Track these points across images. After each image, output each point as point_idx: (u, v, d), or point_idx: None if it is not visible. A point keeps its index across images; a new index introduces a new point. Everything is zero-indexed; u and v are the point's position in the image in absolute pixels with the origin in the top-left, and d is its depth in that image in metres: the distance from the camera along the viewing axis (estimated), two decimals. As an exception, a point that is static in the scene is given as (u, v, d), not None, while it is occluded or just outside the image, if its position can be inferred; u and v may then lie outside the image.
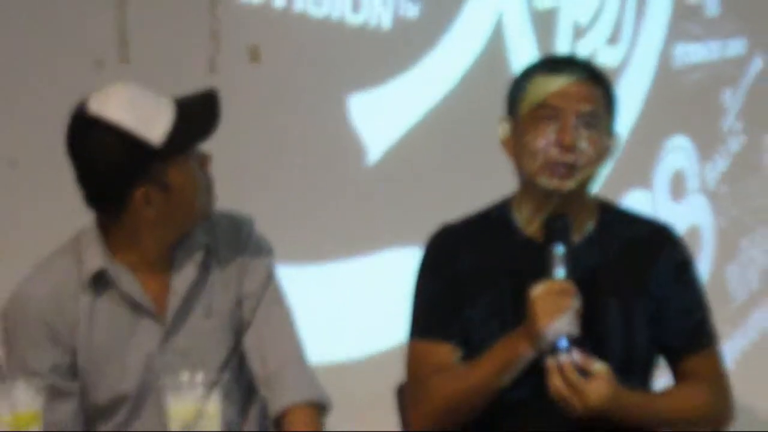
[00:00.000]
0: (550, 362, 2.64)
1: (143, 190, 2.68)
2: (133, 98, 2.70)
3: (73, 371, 2.76)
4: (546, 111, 2.75)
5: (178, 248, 2.80)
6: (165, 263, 2.79)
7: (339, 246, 3.79)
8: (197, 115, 2.75)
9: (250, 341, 2.84)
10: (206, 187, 2.78)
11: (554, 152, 2.72)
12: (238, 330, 2.59)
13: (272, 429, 2.83)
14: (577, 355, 2.63)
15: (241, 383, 2.88)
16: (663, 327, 2.82)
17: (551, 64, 2.84)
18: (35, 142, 3.56)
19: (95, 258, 2.75)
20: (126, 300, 2.76)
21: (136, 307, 2.76)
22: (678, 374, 2.88)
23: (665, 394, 2.87)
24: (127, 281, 2.76)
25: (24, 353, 2.74)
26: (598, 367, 2.64)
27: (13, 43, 3.53)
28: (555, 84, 2.76)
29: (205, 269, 2.82)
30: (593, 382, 2.63)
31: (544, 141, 2.74)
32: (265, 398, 2.83)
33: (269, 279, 2.89)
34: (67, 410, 2.75)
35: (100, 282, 2.75)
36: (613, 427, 2.73)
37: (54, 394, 2.70)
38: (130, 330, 2.77)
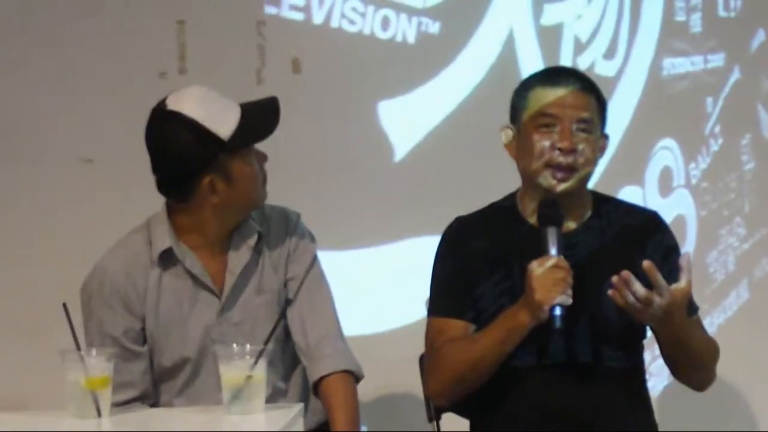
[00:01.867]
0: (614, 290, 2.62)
1: (210, 179, 2.72)
2: (204, 98, 2.74)
3: (143, 336, 2.82)
4: (546, 119, 2.77)
5: (235, 233, 2.83)
6: (223, 246, 2.83)
7: (368, 234, 3.80)
8: (260, 116, 2.78)
9: (293, 317, 2.88)
10: (262, 181, 2.82)
11: (555, 155, 2.75)
12: (284, 307, 2.65)
13: (312, 394, 2.88)
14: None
15: (285, 354, 2.92)
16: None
17: (549, 76, 2.85)
18: (108, 142, 3.62)
19: (164, 238, 2.80)
20: (189, 276, 2.81)
21: (197, 283, 2.81)
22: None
23: (697, 328, 2.86)
24: (190, 259, 2.80)
25: (101, 318, 2.79)
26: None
27: (90, 57, 3.59)
28: (554, 94, 2.78)
29: (257, 252, 2.86)
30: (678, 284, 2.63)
31: (546, 145, 2.76)
32: (306, 367, 2.88)
33: (312, 264, 2.93)
34: (137, 370, 2.81)
35: (167, 259, 2.80)
36: (608, 390, 2.78)
37: (126, 356, 2.77)
38: (191, 302, 2.82)
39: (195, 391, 2.86)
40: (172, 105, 2.74)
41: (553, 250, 2.69)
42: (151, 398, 2.87)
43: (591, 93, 2.82)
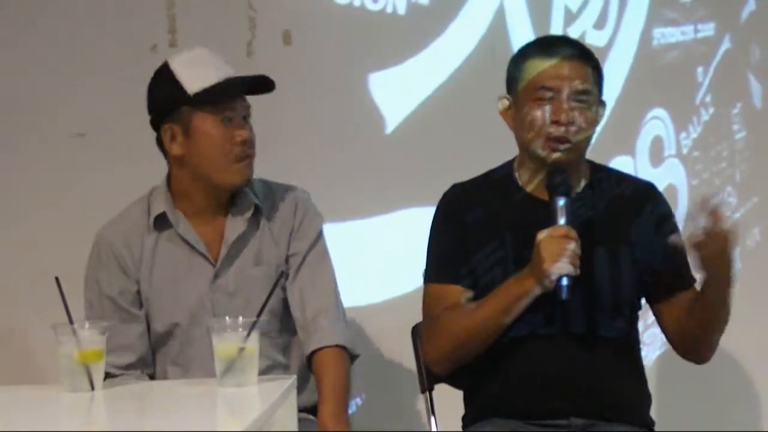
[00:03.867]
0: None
1: (170, 126, 2.84)
2: (197, 57, 2.88)
3: (139, 300, 2.89)
4: (541, 91, 2.76)
5: (232, 206, 2.89)
6: (219, 216, 2.90)
7: (361, 206, 3.81)
8: (237, 86, 2.86)
9: (293, 291, 2.92)
10: (227, 146, 2.84)
11: (550, 127, 2.75)
12: (277, 279, 2.65)
13: (308, 369, 2.90)
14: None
15: (285, 328, 2.95)
16: (647, 272, 2.84)
17: (545, 46, 2.84)
18: (100, 116, 3.63)
19: (160, 204, 2.88)
20: (184, 242, 2.87)
21: (192, 249, 2.87)
22: (663, 310, 2.88)
23: None
24: (184, 226, 2.88)
25: (99, 279, 2.88)
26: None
27: (80, 32, 3.59)
28: (548, 64, 2.77)
29: (255, 224, 2.91)
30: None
31: (541, 116, 2.75)
32: (301, 340, 2.90)
33: (317, 241, 2.97)
34: (134, 333, 2.88)
35: (162, 224, 2.88)
36: (603, 359, 2.79)
37: (124, 317, 2.86)
38: (185, 267, 2.88)
39: (189, 361, 2.89)
40: (170, 59, 2.90)
41: (562, 220, 2.70)
42: (148, 364, 2.92)
43: (587, 62, 2.81)
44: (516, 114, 2.83)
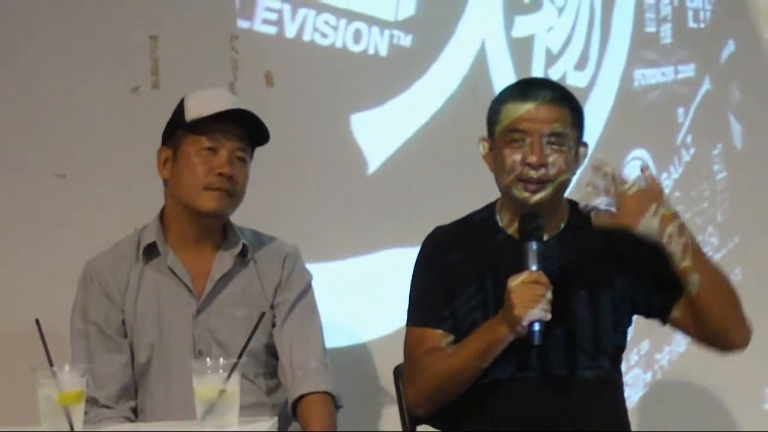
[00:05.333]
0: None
1: (164, 149, 2.93)
2: (213, 93, 2.98)
3: (124, 329, 2.90)
4: (516, 133, 2.78)
5: (223, 243, 2.94)
6: (208, 251, 2.94)
7: (342, 247, 3.80)
8: (227, 117, 2.91)
9: (282, 340, 2.95)
10: (204, 173, 2.88)
11: (525, 170, 2.76)
12: (257, 323, 2.63)
13: (291, 414, 2.92)
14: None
15: (266, 373, 2.98)
16: (646, 294, 2.84)
17: (520, 89, 2.85)
18: (82, 158, 3.61)
19: (151, 235, 2.93)
20: (171, 273, 2.90)
21: (178, 281, 2.90)
22: (676, 317, 2.84)
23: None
24: (172, 257, 2.91)
25: (85, 306, 2.91)
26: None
27: (65, 71, 3.58)
28: (523, 109, 2.78)
29: (241, 263, 2.95)
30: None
31: (516, 160, 2.77)
32: (287, 386, 2.92)
33: (305, 292, 3.01)
34: (119, 362, 2.89)
35: (151, 254, 2.92)
36: (583, 401, 2.79)
37: (109, 345, 2.88)
38: (170, 298, 2.91)
39: (169, 394, 2.89)
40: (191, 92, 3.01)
41: (533, 266, 2.69)
42: (131, 396, 2.92)
43: (563, 104, 2.82)
44: (494, 158, 2.85)
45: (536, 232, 2.73)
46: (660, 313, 2.87)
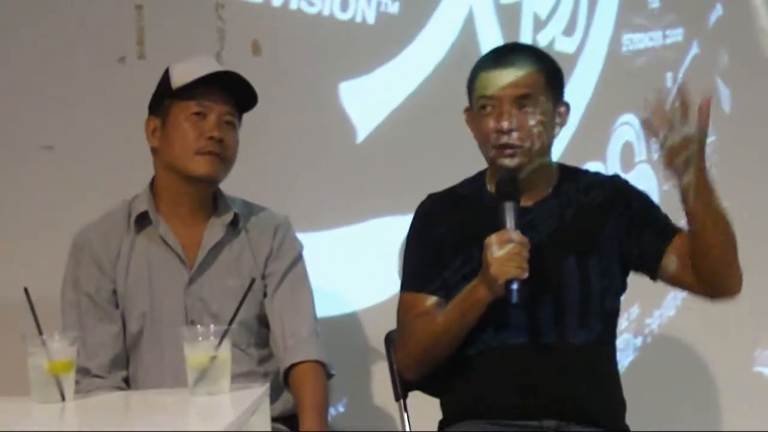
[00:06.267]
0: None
1: (152, 118, 2.94)
2: (198, 60, 2.98)
3: (115, 299, 2.91)
4: (488, 101, 2.82)
5: (214, 212, 2.95)
6: (200, 222, 2.95)
7: (333, 216, 3.81)
8: (211, 79, 2.92)
9: (272, 310, 2.97)
10: (194, 137, 2.89)
11: (497, 136, 2.80)
12: (246, 290, 2.64)
13: (283, 384, 2.94)
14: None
15: (257, 342, 2.99)
16: (636, 248, 2.85)
17: (493, 57, 2.89)
18: (69, 129, 3.62)
19: (142, 204, 2.93)
20: (162, 242, 2.91)
21: (169, 251, 2.91)
22: (679, 260, 2.83)
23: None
24: (164, 227, 2.91)
25: (77, 277, 2.92)
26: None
27: (50, 43, 3.58)
28: (493, 75, 2.82)
29: (232, 232, 2.96)
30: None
31: (489, 128, 2.81)
32: (278, 356, 2.94)
33: (295, 262, 3.01)
34: (110, 332, 2.90)
35: (142, 223, 2.92)
36: (573, 367, 2.80)
37: (100, 315, 2.89)
38: (161, 268, 2.92)
39: (161, 364, 2.90)
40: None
41: (509, 224, 2.71)
42: (122, 366, 2.93)
43: (532, 66, 2.83)
44: (474, 127, 2.89)
45: (510, 191, 2.74)
46: (650, 262, 2.85)
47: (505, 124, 2.79)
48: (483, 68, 2.86)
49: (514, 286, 2.66)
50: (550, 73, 2.86)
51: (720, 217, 2.72)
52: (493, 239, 2.68)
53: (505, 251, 2.66)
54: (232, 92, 2.96)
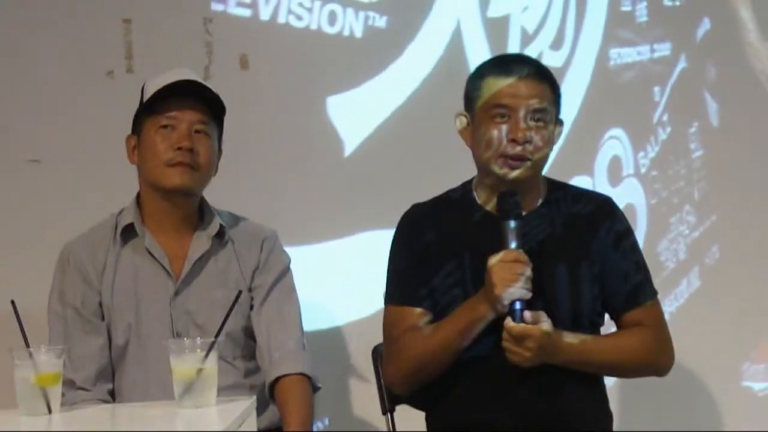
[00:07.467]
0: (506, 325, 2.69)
1: (131, 137, 2.96)
2: (168, 73, 2.95)
3: (101, 312, 2.91)
4: (498, 109, 2.79)
5: (199, 227, 2.95)
6: (185, 234, 2.95)
7: (320, 229, 3.81)
8: (172, 88, 2.92)
9: (259, 322, 2.97)
10: (162, 150, 2.90)
11: (506, 146, 2.77)
12: (233, 302, 2.66)
13: (268, 396, 2.93)
14: (528, 315, 2.67)
15: (244, 355, 3.00)
16: (606, 290, 2.85)
17: (502, 64, 2.86)
18: (56, 143, 3.62)
19: (128, 216, 2.93)
20: (148, 254, 2.91)
21: (155, 263, 2.91)
22: (622, 327, 2.89)
23: (609, 336, 2.89)
24: (150, 239, 2.92)
25: (63, 289, 2.92)
26: (545, 326, 2.68)
27: (38, 56, 3.59)
28: (506, 83, 2.79)
29: (218, 244, 2.96)
30: (523, 342, 2.68)
31: (498, 135, 2.78)
32: (265, 369, 2.94)
33: (283, 275, 3.02)
34: (96, 344, 2.90)
35: (128, 235, 2.93)
36: (562, 377, 2.79)
37: (86, 328, 2.89)
38: (147, 279, 2.92)
39: (147, 377, 2.91)
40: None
41: (512, 244, 2.71)
42: (107, 379, 2.93)
43: (544, 80, 2.83)
44: (473, 132, 2.85)
45: (514, 210, 2.74)
46: (615, 310, 2.91)
47: (520, 135, 2.76)
48: (492, 73, 2.83)
49: (518, 307, 2.69)
50: (555, 90, 2.87)
51: (604, 367, 2.86)
52: (497, 259, 2.69)
53: (510, 272, 2.67)
54: (206, 101, 2.95)
